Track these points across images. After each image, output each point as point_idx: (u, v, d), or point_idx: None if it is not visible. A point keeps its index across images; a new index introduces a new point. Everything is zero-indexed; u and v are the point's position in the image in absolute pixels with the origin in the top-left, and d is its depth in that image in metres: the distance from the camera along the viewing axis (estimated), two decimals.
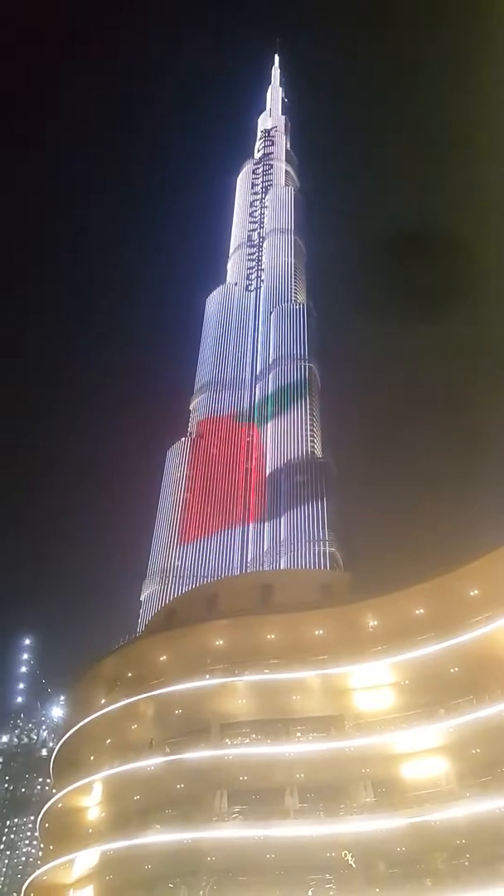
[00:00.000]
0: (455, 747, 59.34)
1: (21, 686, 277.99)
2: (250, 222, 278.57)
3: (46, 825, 78.08)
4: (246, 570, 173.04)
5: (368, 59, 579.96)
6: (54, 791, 77.37)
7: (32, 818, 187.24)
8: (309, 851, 57.45)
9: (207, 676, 65.97)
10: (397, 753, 60.99)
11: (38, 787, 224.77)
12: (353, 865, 56.76)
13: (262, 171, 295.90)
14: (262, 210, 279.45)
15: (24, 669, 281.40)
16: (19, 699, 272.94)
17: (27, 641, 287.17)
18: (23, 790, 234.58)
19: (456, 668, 60.68)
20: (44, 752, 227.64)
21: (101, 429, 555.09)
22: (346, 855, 56.95)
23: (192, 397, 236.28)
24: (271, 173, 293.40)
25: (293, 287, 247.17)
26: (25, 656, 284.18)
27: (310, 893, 55.62)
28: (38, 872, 73.70)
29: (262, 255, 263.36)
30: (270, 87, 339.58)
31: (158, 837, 60.19)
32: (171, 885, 60.32)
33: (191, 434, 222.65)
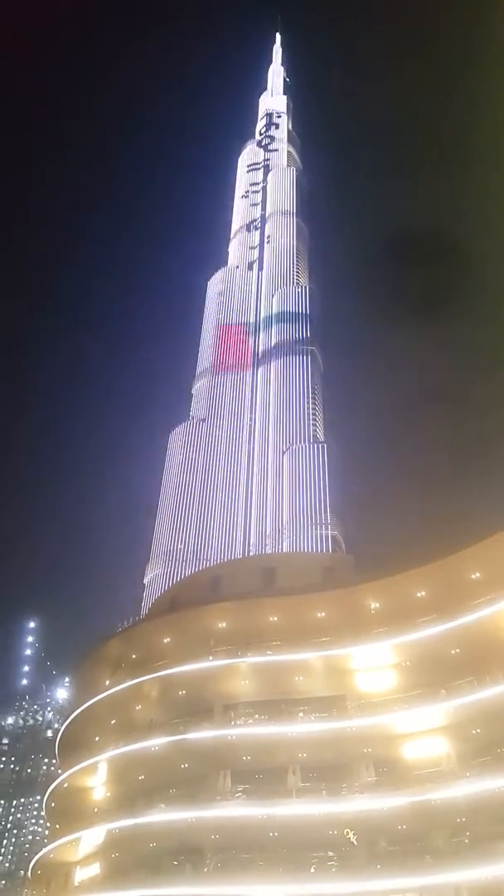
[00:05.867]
0: (456, 728, 59.90)
1: (26, 668, 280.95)
2: (252, 204, 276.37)
3: (52, 805, 79.11)
4: (248, 554, 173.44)
5: (372, 38, 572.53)
6: (60, 771, 78.37)
7: (38, 798, 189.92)
8: (311, 830, 58.16)
9: (211, 658, 66.57)
10: (399, 733, 61.57)
11: (44, 767, 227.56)
12: (355, 843, 57.56)
13: (264, 153, 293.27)
14: (263, 192, 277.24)
15: (28, 652, 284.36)
16: (24, 681, 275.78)
17: (32, 624, 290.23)
18: (29, 771, 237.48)
19: (457, 650, 61.13)
20: (49, 733, 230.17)
21: (104, 412, 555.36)
22: (347, 833, 57.69)
23: (194, 380, 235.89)
24: (273, 154, 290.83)
25: (295, 269, 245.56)
26: (30, 639, 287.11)
27: (312, 871, 56.38)
28: (44, 851, 74.81)
29: (263, 237, 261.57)
30: (272, 66, 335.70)
31: (163, 816, 61.01)
32: (175, 863, 61.22)
33: (193, 417, 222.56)
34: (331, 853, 58.07)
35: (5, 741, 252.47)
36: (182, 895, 57.01)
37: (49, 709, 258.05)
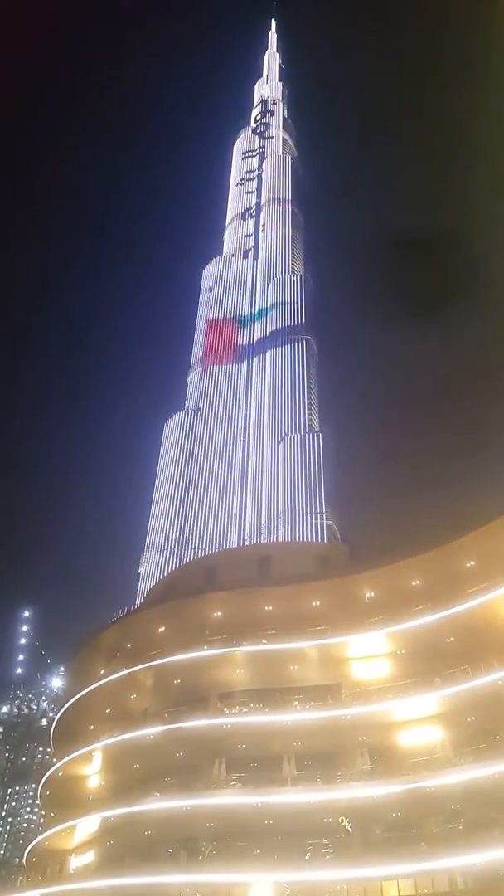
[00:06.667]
0: (450, 715, 60.08)
1: (21, 657, 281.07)
2: (247, 192, 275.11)
3: (47, 793, 79.27)
4: (244, 543, 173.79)
5: (370, 24, 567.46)
6: (55, 760, 78.45)
7: (33, 786, 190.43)
8: (306, 817, 58.28)
9: (206, 647, 66.52)
10: (394, 721, 61.72)
11: (39, 756, 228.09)
12: (350, 830, 57.78)
13: (259, 140, 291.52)
14: (259, 179, 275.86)
15: (23, 641, 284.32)
16: (19, 670, 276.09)
17: (26, 613, 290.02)
18: (23, 759, 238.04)
19: (452, 638, 61.26)
20: (44, 721, 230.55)
21: (99, 402, 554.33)
22: (342, 820, 57.94)
23: (189, 370, 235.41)
24: (268, 142, 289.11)
25: (291, 257, 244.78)
26: (25, 628, 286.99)
27: (307, 858, 56.62)
28: (39, 838, 74.93)
29: (259, 226, 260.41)
30: (267, 52, 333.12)
31: (158, 804, 61.02)
32: (170, 851, 61.31)
33: (188, 407, 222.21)
34: (326, 840, 58.29)
35: (0, 730, 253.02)
36: (177, 883, 57.15)
37: (44, 698, 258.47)
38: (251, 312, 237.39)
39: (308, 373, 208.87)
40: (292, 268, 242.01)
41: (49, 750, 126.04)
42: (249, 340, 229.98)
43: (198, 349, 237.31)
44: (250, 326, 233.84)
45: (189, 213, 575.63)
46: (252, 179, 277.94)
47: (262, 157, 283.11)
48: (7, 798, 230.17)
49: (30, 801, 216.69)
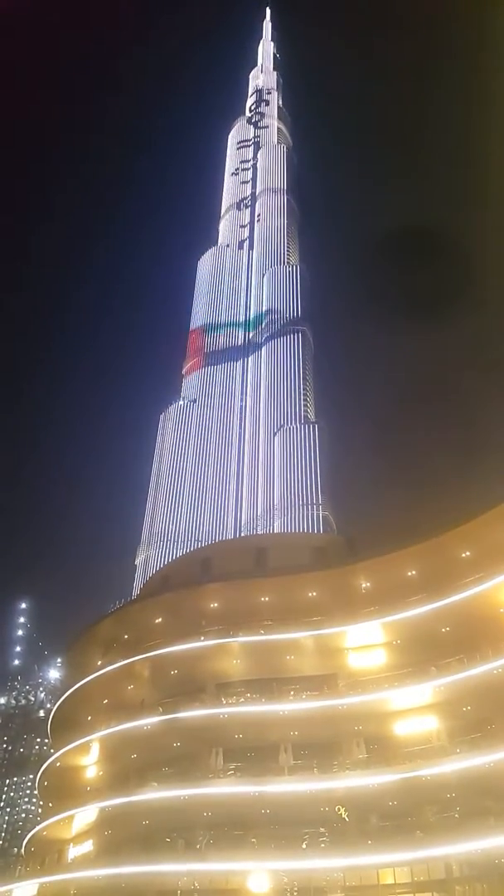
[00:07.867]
0: (446, 705, 60.36)
1: (18, 649, 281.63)
2: (242, 182, 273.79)
3: (45, 783, 79.59)
4: (240, 534, 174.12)
5: (367, 11, 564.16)
6: (52, 751, 78.68)
7: (31, 777, 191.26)
8: (303, 806, 58.60)
9: (202, 638, 66.68)
10: (390, 711, 61.96)
11: (37, 746, 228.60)
12: (346, 819, 58.09)
13: (254, 129, 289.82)
14: (254, 169, 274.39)
15: (21, 633, 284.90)
16: (17, 662, 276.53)
17: (24, 605, 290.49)
18: (21, 750, 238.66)
19: (447, 628, 61.44)
20: (41, 713, 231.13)
21: (97, 393, 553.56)
22: (339, 809, 58.24)
23: (185, 362, 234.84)
24: (263, 131, 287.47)
25: (286, 248, 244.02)
26: (22, 620, 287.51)
27: (304, 847, 56.91)
28: (38, 828, 75.35)
29: (254, 216, 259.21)
30: (262, 42, 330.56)
31: (156, 794, 61.32)
32: (168, 840, 61.64)
33: (184, 398, 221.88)
34: (322, 829, 58.59)
35: None
36: (175, 872, 57.46)
37: (41, 689, 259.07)
38: (246, 304, 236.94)
39: (304, 364, 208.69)
40: (287, 259, 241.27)
41: (47, 741, 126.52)
42: (245, 332, 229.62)
43: (194, 341, 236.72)
44: (245, 318, 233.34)
45: (183, 204, 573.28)
46: (247, 169, 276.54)
47: (258, 146, 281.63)
48: (5, 789, 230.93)
49: (28, 791, 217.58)
